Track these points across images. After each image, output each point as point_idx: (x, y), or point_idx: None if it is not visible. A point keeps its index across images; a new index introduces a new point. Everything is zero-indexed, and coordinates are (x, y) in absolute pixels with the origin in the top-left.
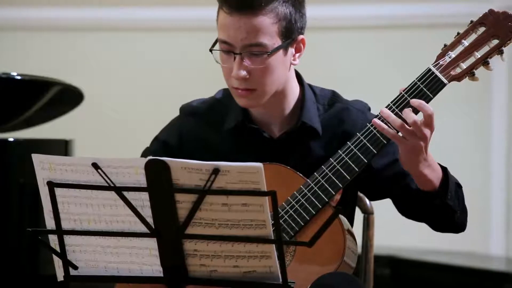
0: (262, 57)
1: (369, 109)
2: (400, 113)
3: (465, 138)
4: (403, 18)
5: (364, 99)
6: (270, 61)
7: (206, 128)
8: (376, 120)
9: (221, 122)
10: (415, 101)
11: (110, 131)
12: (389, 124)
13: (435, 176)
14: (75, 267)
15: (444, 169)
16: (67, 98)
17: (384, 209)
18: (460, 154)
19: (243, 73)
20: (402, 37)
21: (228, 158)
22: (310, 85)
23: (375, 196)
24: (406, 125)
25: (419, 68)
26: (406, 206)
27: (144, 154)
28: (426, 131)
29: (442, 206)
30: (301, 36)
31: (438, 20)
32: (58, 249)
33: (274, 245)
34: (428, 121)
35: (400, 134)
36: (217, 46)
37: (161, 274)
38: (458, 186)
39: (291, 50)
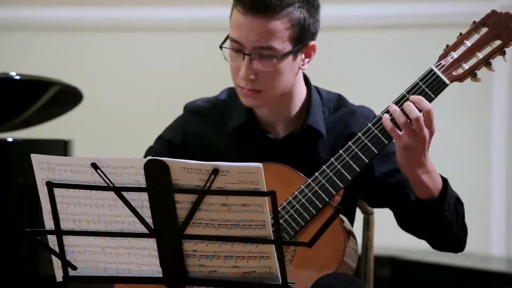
0: (272, 60)
1: (375, 115)
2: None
3: (465, 138)
4: (403, 18)
5: (364, 99)
6: (278, 65)
7: (210, 127)
8: (385, 114)
9: (224, 121)
10: (415, 97)
11: (110, 131)
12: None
13: (434, 185)
14: (74, 268)
15: (444, 180)
16: (66, 98)
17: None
18: (460, 155)
19: (250, 74)
20: (402, 37)
21: (230, 158)
22: (316, 88)
23: (375, 203)
24: (409, 123)
25: (419, 68)
26: (405, 218)
27: (147, 153)
28: (426, 132)
29: (438, 217)
30: (312, 42)
31: (439, 20)
32: (57, 249)
33: (273, 245)
34: (428, 120)
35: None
36: (227, 44)
37: (161, 275)
38: (459, 203)
39: (301, 56)
